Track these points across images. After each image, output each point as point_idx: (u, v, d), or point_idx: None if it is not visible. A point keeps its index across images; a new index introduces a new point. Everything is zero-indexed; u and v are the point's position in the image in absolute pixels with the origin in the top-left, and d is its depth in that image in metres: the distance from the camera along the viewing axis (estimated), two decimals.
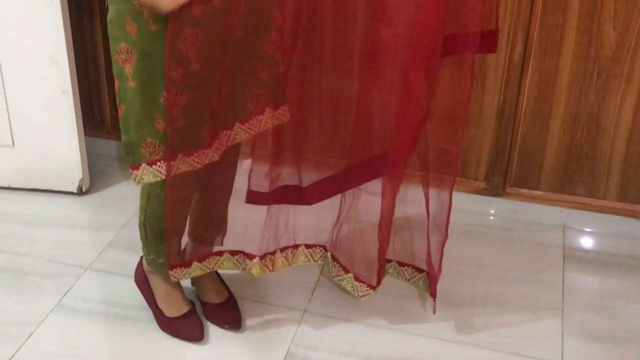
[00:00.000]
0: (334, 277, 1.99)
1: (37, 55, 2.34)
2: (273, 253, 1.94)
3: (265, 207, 1.90)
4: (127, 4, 1.49)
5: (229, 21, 1.56)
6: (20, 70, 2.37)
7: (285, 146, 1.88)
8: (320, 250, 2.03)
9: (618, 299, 2.09)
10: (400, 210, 1.90)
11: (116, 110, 2.58)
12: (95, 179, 2.60)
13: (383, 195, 1.83)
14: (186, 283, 1.97)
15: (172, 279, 1.83)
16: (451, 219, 1.89)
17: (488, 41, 1.76)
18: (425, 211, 1.90)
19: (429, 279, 1.96)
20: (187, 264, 1.84)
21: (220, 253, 1.92)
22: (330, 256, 2.00)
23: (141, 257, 1.97)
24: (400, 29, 1.71)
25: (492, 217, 2.41)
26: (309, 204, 1.93)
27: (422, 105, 1.80)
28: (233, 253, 1.92)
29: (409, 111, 1.77)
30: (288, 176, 1.92)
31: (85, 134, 2.52)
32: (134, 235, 1.92)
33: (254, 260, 1.91)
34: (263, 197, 1.89)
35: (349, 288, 1.96)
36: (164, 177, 1.63)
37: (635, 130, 2.19)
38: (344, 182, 1.91)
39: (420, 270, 2.00)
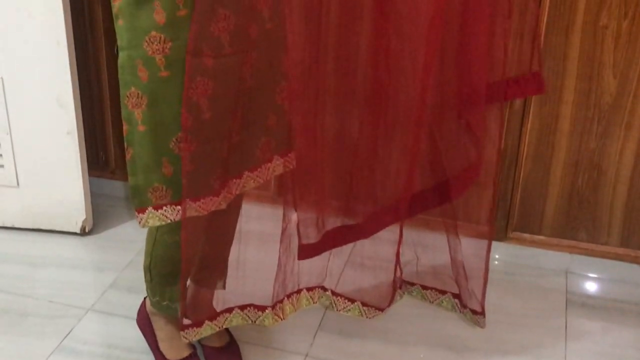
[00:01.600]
0: (339, 311, 2.00)
1: (43, 97, 2.37)
2: (281, 301, 1.94)
3: (274, 256, 1.89)
4: (139, 49, 1.51)
5: (240, 71, 1.59)
6: (27, 111, 2.40)
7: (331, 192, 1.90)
8: (319, 291, 2.04)
9: (621, 346, 2.07)
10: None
11: (121, 150, 2.68)
12: (98, 219, 2.61)
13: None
14: None
15: (183, 339, 1.81)
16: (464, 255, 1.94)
17: (533, 83, 1.82)
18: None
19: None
20: (199, 324, 1.83)
21: (230, 310, 1.90)
22: (330, 293, 2.01)
23: (144, 299, 1.96)
24: (401, 78, 1.74)
25: (495, 262, 2.41)
26: (367, 236, 1.95)
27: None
28: (242, 307, 1.91)
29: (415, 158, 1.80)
30: (334, 220, 1.93)
31: (90, 174, 2.53)
32: (136, 276, 1.92)
33: (266, 311, 1.91)
34: (314, 247, 1.88)
35: (356, 314, 2.00)
36: (169, 221, 1.64)
37: (636, 177, 2.21)
38: (400, 211, 1.93)
39: (443, 292, 2.09)
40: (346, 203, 1.95)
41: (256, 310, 1.91)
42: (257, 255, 1.93)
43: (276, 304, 1.92)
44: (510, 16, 1.81)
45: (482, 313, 2.02)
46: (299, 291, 1.99)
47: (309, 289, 2.02)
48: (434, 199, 1.97)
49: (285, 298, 1.95)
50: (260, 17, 1.59)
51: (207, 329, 1.85)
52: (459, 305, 2.08)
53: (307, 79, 1.77)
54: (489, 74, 1.85)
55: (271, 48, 1.64)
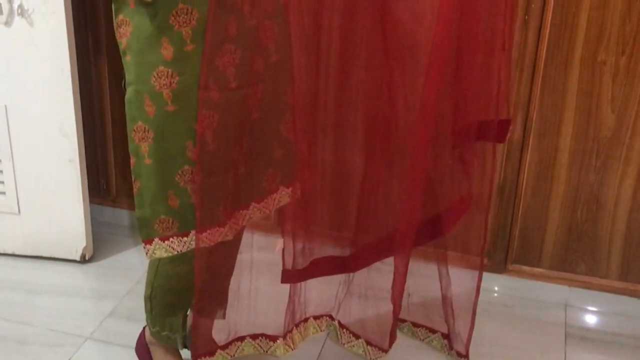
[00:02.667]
0: (343, 344, 2.00)
1: (46, 125, 2.39)
2: (291, 330, 1.95)
3: (284, 286, 1.89)
4: (147, 84, 1.54)
5: (246, 104, 1.61)
6: (29, 138, 2.42)
7: (320, 220, 1.91)
8: (327, 319, 2.05)
9: None
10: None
11: (122, 178, 2.69)
12: (98, 247, 2.61)
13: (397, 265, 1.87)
14: (186, 354, 1.96)
15: None
16: (454, 296, 1.92)
17: (502, 130, 1.83)
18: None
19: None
20: (211, 353, 1.83)
21: (242, 339, 1.91)
22: (337, 324, 2.02)
23: (143, 328, 1.96)
24: (403, 111, 1.76)
25: (494, 294, 2.41)
26: (354, 271, 1.97)
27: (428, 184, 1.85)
28: (254, 337, 1.92)
29: (416, 190, 1.81)
30: (322, 249, 1.93)
31: (90, 202, 2.55)
32: (136, 305, 1.93)
33: (278, 341, 1.91)
34: (298, 274, 1.89)
35: (360, 352, 2.00)
36: (176, 252, 1.65)
37: (635, 211, 2.22)
38: (386, 249, 1.94)
39: (433, 331, 2.09)
40: (339, 233, 1.96)
41: (268, 340, 1.93)
42: (267, 285, 1.93)
43: (287, 333, 1.92)
44: (505, 49, 1.82)
45: (467, 356, 2.01)
46: (306, 319, 2.00)
47: (316, 317, 2.04)
48: (427, 232, 1.97)
49: (294, 327, 1.96)
50: (265, 50, 1.61)
51: (220, 358, 1.86)
52: (447, 347, 2.08)
53: (312, 110, 1.79)
54: (486, 110, 1.86)
55: (277, 80, 1.66)
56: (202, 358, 1.82)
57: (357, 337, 2.01)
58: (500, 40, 1.81)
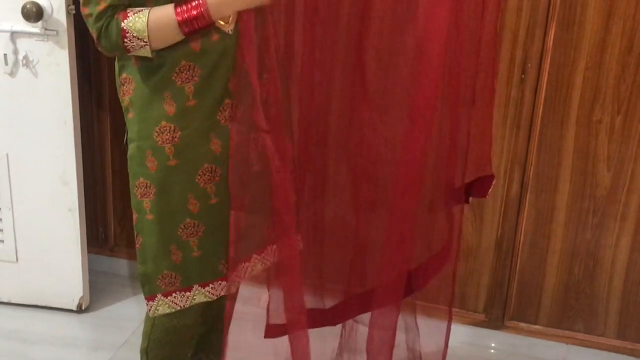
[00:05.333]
0: None
1: (47, 174, 2.41)
2: None
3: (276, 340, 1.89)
4: (149, 140, 1.56)
5: (247, 156, 1.63)
6: (30, 187, 2.43)
7: (306, 274, 1.91)
8: None
9: None
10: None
11: (121, 228, 2.70)
12: (95, 296, 2.60)
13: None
14: None
15: None
16: (451, 351, 1.90)
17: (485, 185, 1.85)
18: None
19: None
20: None
21: None
22: None
23: None
24: (384, 166, 1.78)
25: (491, 350, 2.40)
26: (335, 324, 1.95)
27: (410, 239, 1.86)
28: None
29: (400, 246, 1.82)
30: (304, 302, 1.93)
31: (89, 251, 2.55)
32: (131, 357, 1.92)
33: None
34: (283, 328, 1.88)
35: None
36: (179, 307, 1.65)
37: (632, 269, 2.22)
38: (367, 302, 1.93)
39: None
40: (322, 285, 1.95)
41: None
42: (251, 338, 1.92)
43: None
44: (475, 103, 1.85)
45: None
46: None
47: None
48: (409, 285, 1.96)
49: None
50: (266, 102, 1.64)
51: None
52: None
53: (309, 162, 1.81)
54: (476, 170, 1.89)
55: (277, 132, 1.68)
56: None
57: None
58: (487, 95, 1.85)
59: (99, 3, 1.48)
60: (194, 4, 1.49)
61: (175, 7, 1.49)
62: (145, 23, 1.48)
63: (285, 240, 1.75)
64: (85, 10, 1.51)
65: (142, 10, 1.50)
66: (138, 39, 1.48)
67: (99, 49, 1.54)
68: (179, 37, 1.50)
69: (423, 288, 1.94)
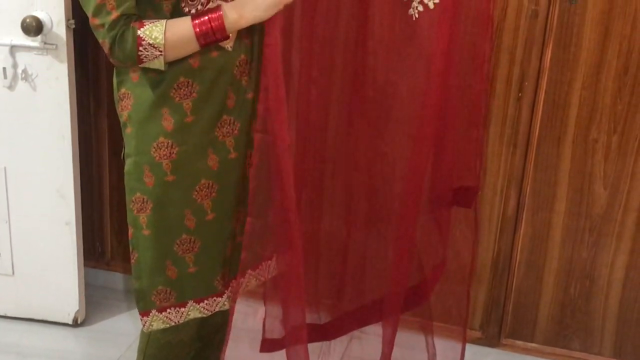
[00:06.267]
0: None
1: (44, 188, 2.41)
2: None
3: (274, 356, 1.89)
4: (146, 155, 1.56)
5: (243, 173, 1.63)
6: (27, 201, 2.43)
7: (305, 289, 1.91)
8: None
9: None
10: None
11: (117, 242, 2.69)
12: (91, 310, 2.60)
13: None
14: None
15: None
16: None
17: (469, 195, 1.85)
18: None
19: None
20: None
21: None
22: None
23: None
24: (381, 182, 1.79)
25: None
26: (329, 339, 1.94)
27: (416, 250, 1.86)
28: None
29: (404, 257, 1.82)
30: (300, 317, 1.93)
31: (85, 265, 2.54)
32: None
33: None
34: (278, 343, 1.88)
35: None
36: (173, 323, 1.65)
37: (628, 288, 2.23)
38: (363, 317, 1.93)
39: None
40: (319, 301, 1.96)
41: None
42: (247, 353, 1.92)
43: None
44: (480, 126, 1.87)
45: None
46: None
47: None
48: (411, 300, 1.97)
49: None
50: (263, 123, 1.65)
51: None
52: None
53: (306, 176, 1.82)
54: (462, 176, 1.90)
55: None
56: None
57: None
58: (477, 112, 1.86)
59: (111, 12, 1.46)
60: (212, 16, 1.49)
61: (193, 18, 1.50)
62: (163, 32, 1.48)
63: (287, 254, 1.76)
64: (95, 21, 1.48)
65: (158, 20, 1.50)
66: (154, 47, 1.47)
67: (111, 59, 1.52)
68: (195, 48, 1.51)
69: (424, 302, 1.95)
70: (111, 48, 1.49)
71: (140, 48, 1.47)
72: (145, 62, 1.50)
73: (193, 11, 1.53)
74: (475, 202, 1.93)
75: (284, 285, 1.82)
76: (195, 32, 1.49)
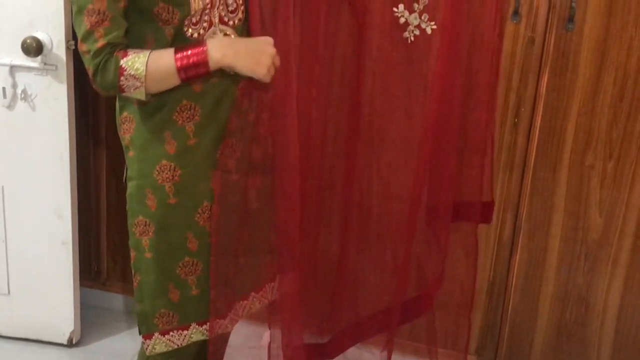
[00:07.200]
0: None
1: (42, 207, 2.41)
2: None
3: None
4: (149, 178, 1.57)
5: (246, 194, 1.64)
6: (24, 220, 2.44)
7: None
8: None
9: None
10: None
11: (114, 262, 2.69)
12: (86, 330, 2.59)
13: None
14: None
15: None
16: None
17: (485, 212, 1.85)
18: None
19: None
20: None
21: None
22: None
23: None
24: (379, 202, 1.80)
25: None
26: (332, 357, 1.94)
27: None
28: None
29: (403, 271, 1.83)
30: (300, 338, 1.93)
31: (81, 285, 2.54)
32: None
33: None
34: None
35: None
36: (176, 346, 1.65)
37: (624, 314, 2.23)
38: (360, 334, 1.93)
39: None
40: (320, 320, 1.96)
41: None
42: None
43: None
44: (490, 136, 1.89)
45: None
46: None
47: None
48: (408, 313, 1.97)
49: None
50: (264, 141, 1.66)
51: None
52: None
53: (304, 198, 1.82)
54: (466, 191, 1.91)
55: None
56: None
57: None
58: (483, 131, 1.87)
59: (98, 40, 1.47)
60: (195, 50, 1.49)
61: (176, 51, 1.50)
62: (145, 63, 1.47)
63: (287, 276, 1.76)
64: (82, 47, 1.49)
65: (142, 51, 1.50)
66: (135, 78, 1.48)
67: (94, 86, 1.52)
68: (176, 82, 1.50)
69: (425, 313, 1.95)
70: (94, 75, 1.50)
71: (122, 78, 1.48)
72: (127, 92, 1.51)
73: (195, 35, 1.54)
74: (477, 224, 1.94)
75: (283, 307, 1.82)
76: (177, 66, 1.48)
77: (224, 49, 1.50)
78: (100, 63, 1.48)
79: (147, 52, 1.50)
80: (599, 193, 2.16)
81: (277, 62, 1.54)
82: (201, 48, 1.49)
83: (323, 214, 1.91)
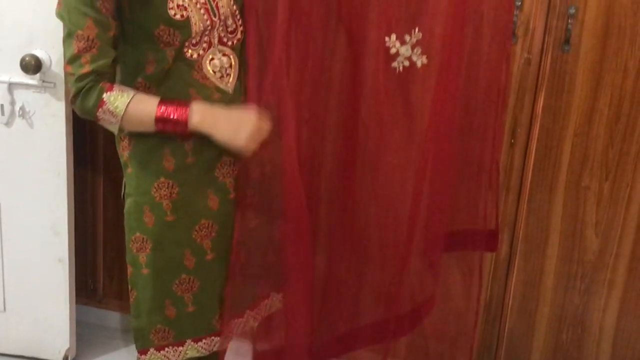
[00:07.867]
0: None
1: (39, 224, 2.41)
2: None
3: None
4: (147, 195, 1.58)
5: (243, 213, 1.65)
6: (21, 237, 2.43)
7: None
8: None
9: None
10: None
11: (109, 279, 2.69)
12: (82, 348, 2.58)
13: None
14: None
15: None
16: None
17: (490, 240, 1.86)
18: None
19: None
20: None
21: None
22: None
23: None
24: (375, 223, 1.80)
25: None
26: None
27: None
28: None
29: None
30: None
31: (77, 302, 2.53)
32: None
33: None
34: None
35: None
36: None
37: (620, 335, 2.23)
38: (350, 343, 1.93)
39: None
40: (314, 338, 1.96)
41: None
42: None
43: None
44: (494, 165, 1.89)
45: None
46: None
47: None
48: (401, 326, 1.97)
49: None
50: (260, 160, 1.66)
51: None
52: None
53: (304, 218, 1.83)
54: (465, 222, 1.91)
55: (272, 189, 1.70)
56: None
57: None
58: (488, 157, 1.87)
59: (83, 66, 1.48)
60: (179, 108, 1.52)
61: (161, 102, 1.52)
62: (126, 104, 1.50)
63: (296, 286, 1.76)
64: (68, 69, 1.51)
65: (127, 90, 1.53)
66: (112, 114, 1.50)
67: (72, 105, 1.54)
68: (150, 129, 1.53)
69: (405, 335, 1.95)
70: (74, 97, 1.52)
71: (100, 110, 1.50)
72: (102, 123, 1.54)
73: (195, 56, 1.56)
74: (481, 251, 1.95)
75: (288, 321, 1.82)
76: (156, 115, 1.51)
77: (204, 115, 1.53)
78: (83, 88, 1.50)
79: (131, 93, 1.52)
80: (595, 214, 2.17)
81: (264, 133, 1.56)
82: (185, 107, 1.52)
83: (321, 233, 1.91)
